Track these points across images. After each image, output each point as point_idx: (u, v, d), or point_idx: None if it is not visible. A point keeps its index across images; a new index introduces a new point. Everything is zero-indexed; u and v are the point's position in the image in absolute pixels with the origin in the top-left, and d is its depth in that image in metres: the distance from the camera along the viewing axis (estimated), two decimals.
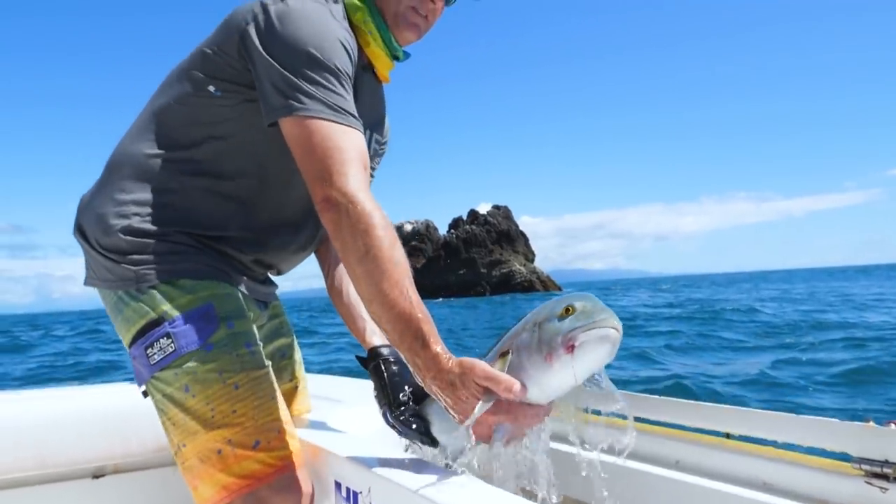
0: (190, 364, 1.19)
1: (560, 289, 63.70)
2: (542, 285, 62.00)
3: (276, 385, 1.29)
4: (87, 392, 1.98)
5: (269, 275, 1.54)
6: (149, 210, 1.27)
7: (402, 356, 1.05)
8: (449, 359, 1.00)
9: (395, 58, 1.41)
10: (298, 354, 1.67)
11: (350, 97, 1.18)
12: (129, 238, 1.25)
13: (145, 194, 1.28)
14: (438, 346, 1.00)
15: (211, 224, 1.30)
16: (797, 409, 6.00)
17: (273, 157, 1.28)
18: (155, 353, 1.21)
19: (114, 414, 1.81)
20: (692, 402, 1.49)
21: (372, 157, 1.50)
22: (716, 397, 6.82)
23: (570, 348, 0.91)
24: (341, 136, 1.12)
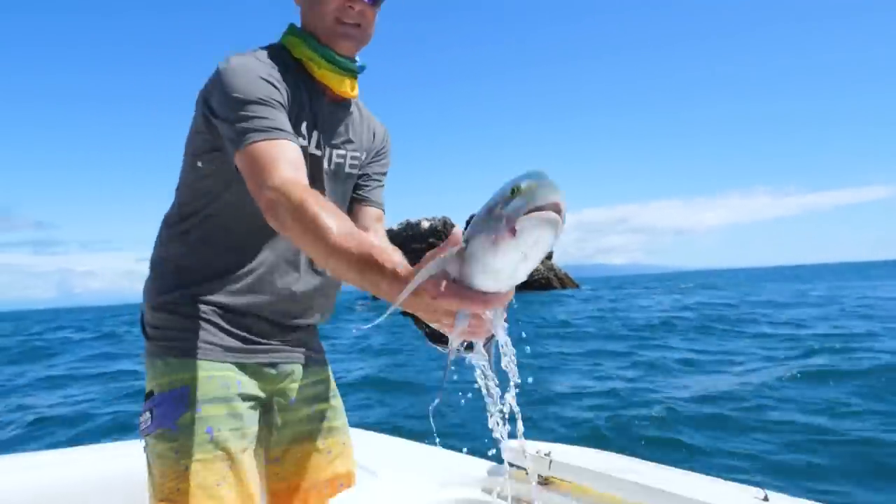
0: (157, 440, 1.40)
1: (577, 286, 63.35)
2: (559, 282, 61.64)
3: (240, 468, 1.42)
4: (131, 449, 2.07)
5: (307, 322, 1.65)
6: (160, 282, 1.53)
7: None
8: (406, 269, 1.01)
9: (350, 70, 1.53)
10: (341, 420, 1.74)
11: (278, 116, 1.33)
12: (148, 312, 1.53)
13: (160, 267, 1.56)
14: (392, 266, 1.02)
15: (215, 275, 1.49)
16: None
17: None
18: (143, 422, 1.44)
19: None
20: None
21: (341, 172, 1.61)
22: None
23: (513, 231, 0.91)
24: (269, 150, 1.26)
